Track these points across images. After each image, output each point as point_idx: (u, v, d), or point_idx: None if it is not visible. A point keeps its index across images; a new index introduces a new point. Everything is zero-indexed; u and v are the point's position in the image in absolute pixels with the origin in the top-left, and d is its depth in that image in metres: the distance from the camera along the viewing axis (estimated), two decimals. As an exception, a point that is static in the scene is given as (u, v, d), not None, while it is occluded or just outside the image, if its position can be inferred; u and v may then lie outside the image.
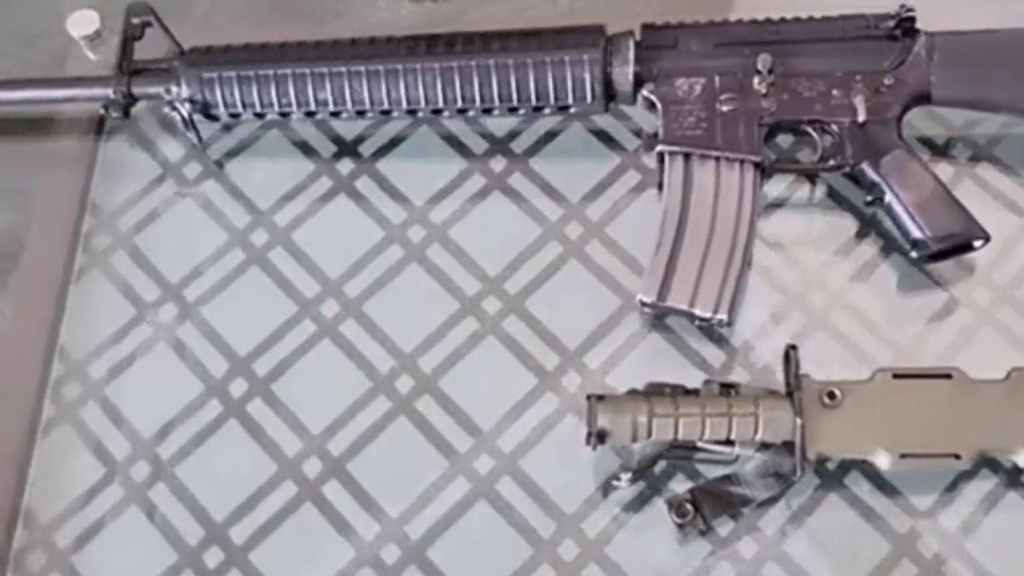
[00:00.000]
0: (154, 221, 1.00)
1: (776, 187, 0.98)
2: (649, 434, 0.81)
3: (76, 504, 0.89)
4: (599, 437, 0.80)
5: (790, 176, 0.98)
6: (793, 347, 0.83)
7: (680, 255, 0.89)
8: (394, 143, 1.02)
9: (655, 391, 0.84)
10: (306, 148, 1.02)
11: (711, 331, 0.93)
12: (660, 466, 0.87)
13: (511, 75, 0.92)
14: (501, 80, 0.93)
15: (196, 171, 1.01)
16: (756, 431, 0.81)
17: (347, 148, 1.01)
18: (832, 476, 0.87)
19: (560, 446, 0.90)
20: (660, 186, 0.96)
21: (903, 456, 0.81)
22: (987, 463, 0.85)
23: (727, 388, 0.84)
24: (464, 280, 0.96)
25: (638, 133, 1.01)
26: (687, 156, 0.92)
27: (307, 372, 0.93)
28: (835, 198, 0.98)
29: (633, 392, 0.84)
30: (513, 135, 1.01)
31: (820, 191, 0.98)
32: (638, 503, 0.87)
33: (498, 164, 1.00)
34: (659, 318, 0.93)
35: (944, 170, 0.95)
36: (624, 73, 0.93)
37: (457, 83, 0.93)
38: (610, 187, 0.99)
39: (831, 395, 0.82)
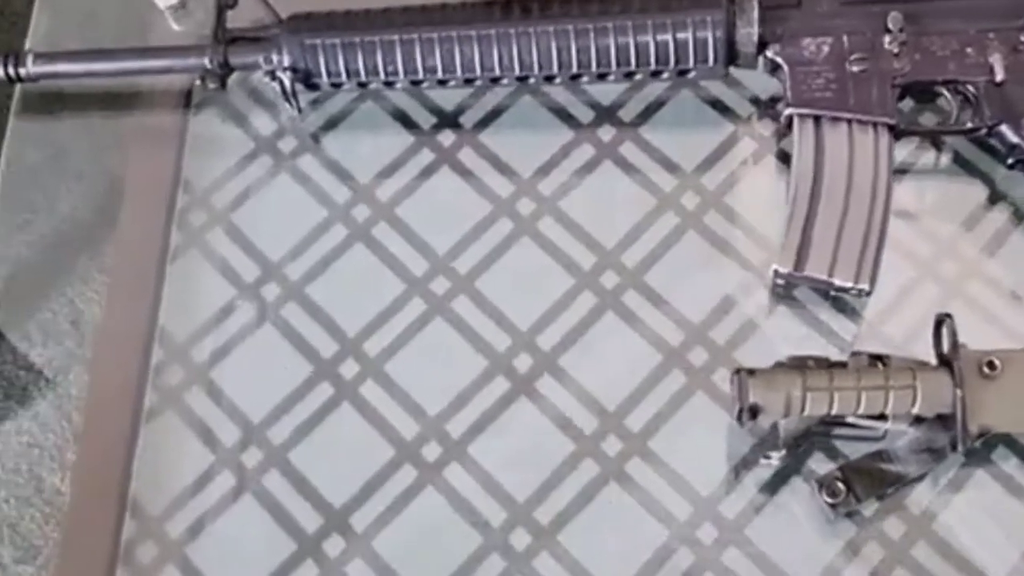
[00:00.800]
0: (250, 198, 0.95)
1: (899, 153, 0.94)
2: (803, 409, 0.77)
3: (186, 493, 0.84)
4: (751, 412, 0.76)
5: (912, 142, 0.94)
6: (948, 315, 0.78)
7: (816, 223, 0.85)
8: (495, 113, 0.97)
9: (800, 364, 0.80)
10: (405, 119, 0.97)
11: (841, 303, 0.88)
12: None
13: (630, 37, 0.88)
14: (620, 43, 0.88)
15: (291, 145, 0.97)
16: (914, 404, 0.77)
17: (447, 119, 0.97)
18: (978, 452, 0.83)
19: (690, 425, 0.86)
20: (779, 154, 0.93)
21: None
22: None
23: (876, 360, 0.80)
24: (580, 254, 0.92)
25: (752, 100, 0.96)
26: (817, 119, 0.87)
27: (420, 352, 0.89)
28: (961, 163, 0.93)
29: (780, 365, 0.80)
30: (620, 104, 0.97)
31: (946, 157, 0.94)
32: (776, 483, 0.83)
33: (607, 134, 0.96)
34: (787, 290, 0.89)
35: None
36: (748, 35, 0.88)
37: (573, 47, 0.88)
38: (725, 156, 0.95)
39: (991, 365, 0.78)
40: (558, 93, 0.97)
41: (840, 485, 0.78)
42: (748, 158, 0.95)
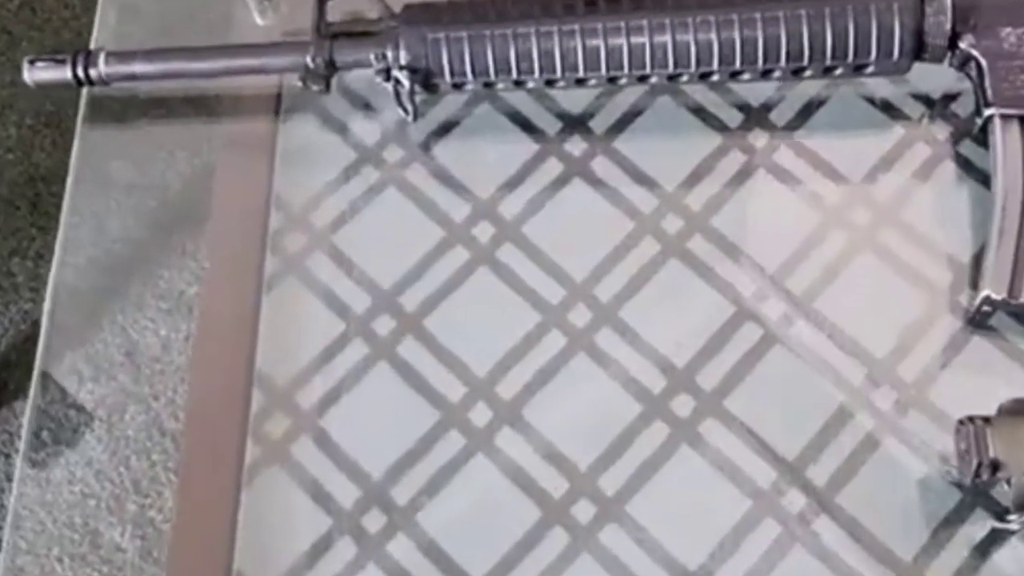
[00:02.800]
0: (355, 216, 0.82)
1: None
2: (1046, 469, 0.65)
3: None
4: (992, 469, 0.64)
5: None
6: None
7: (1030, 240, 0.73)
8: (629, 117, 0.85)
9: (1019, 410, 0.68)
10: (527, 125, 0.85)
11: None
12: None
13: (803, 27, 0.76)
14: (792, 34, 0.76)
15: (397, 155, 0.84)
16: None
17: (575, 124, 0.85)
18: None
19: (881, 477, 0.74)
20: (958, 159, 0.81)
21: None
22: None
23: (1117, 403, 0.68)
24: (736, 277, 0.80)
25: (923, 99, 0.84)
26: (1022, 120, 0.75)
27: (563, 396, 0.76)
28: None
29: (1003, 411, 0.68)
30: (771, 105, 0.85)
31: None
32: (988, 543, 0.71)
33: (759, 139, 0.84)
34: (982, 319, 0.77)
35: None
36: (939, 24, 0.76)
37: (737, 39, 0.76)
38: (896, 163, 0.83)
39: None
40: (700, 93, 0.85)
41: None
42: (921, 166, 0.82)
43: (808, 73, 0.79)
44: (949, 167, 0.83)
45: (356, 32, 0.79)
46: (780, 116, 0.85)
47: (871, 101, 0.85)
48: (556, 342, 0.78)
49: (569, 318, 0.79)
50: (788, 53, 0.77)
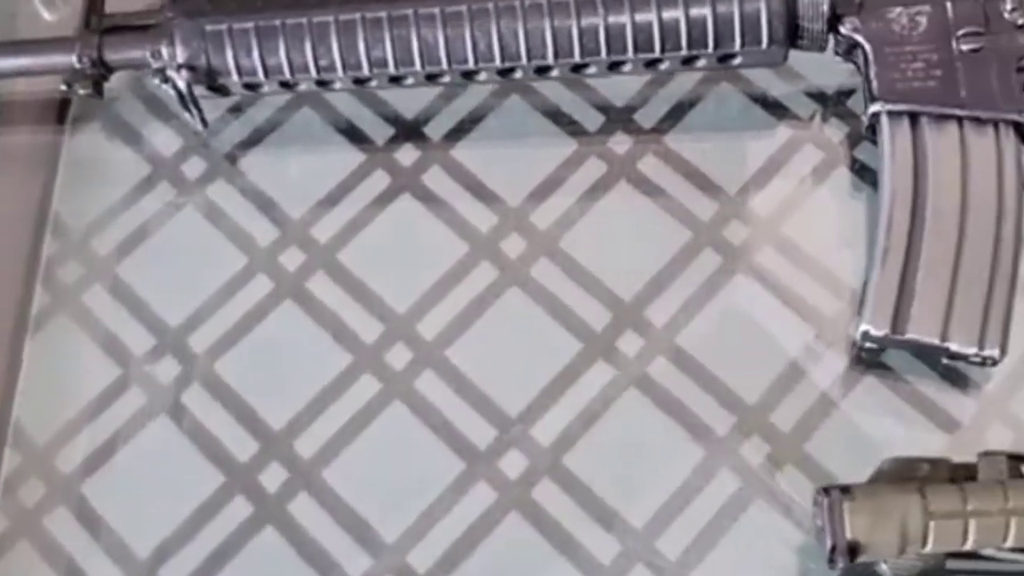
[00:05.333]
0: (144, 241, 0.71)
1: (1015, 161, 0.69)
2: (924, 544, 0.52)
3: None
4: (850, 553, 0.51)
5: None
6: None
7: (919, 265, 0.61)
8: (472, 121, 0.73)
9: (908, 472, 0.55)
10: (352, 132, 0.72)
11: (951, 372, 0.64)
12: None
13: (653, 11, 0.63)
14: (638, 20, 0.64)
15: (199, 169, 0.72)
16: (1087, 532, 0.52)
17: (408, 130, 0.72)
18: None
19: (745, 548, 0.61)
20: (853, 165, 0.68)
21: None
22: None
23: (1018, 462, 0.55)
24: (587, 310, 0.67)
25: (816, 95, 0.71)
26: (915, 118, 0.63)
27: (370, 450, 0.64)
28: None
29: (880, 476, 0.55)
30: (638, 104, 0.72)
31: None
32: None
33: (621, 144, 0.72)
34: (874, 355, 0.64)
35: None
36: (815, 5, 0.64)
37: (574, 26, 0.64)
38: (781, 170, 0.71)
39: None
40: (555, 91, 0.73)
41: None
42: (811, 173, 0.70)
43: (665, 65, 0.66)
44: (843, 174, 0.70)
45: (134, 26, 0.67)
46: (647, 117, 0.72)
47: (754, 99, 0.72)
48: (369, 387, 0.66)
49: (387, 360, 0.67)
50: (636, 42, 0.64)
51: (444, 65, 0.65)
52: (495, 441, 0.64)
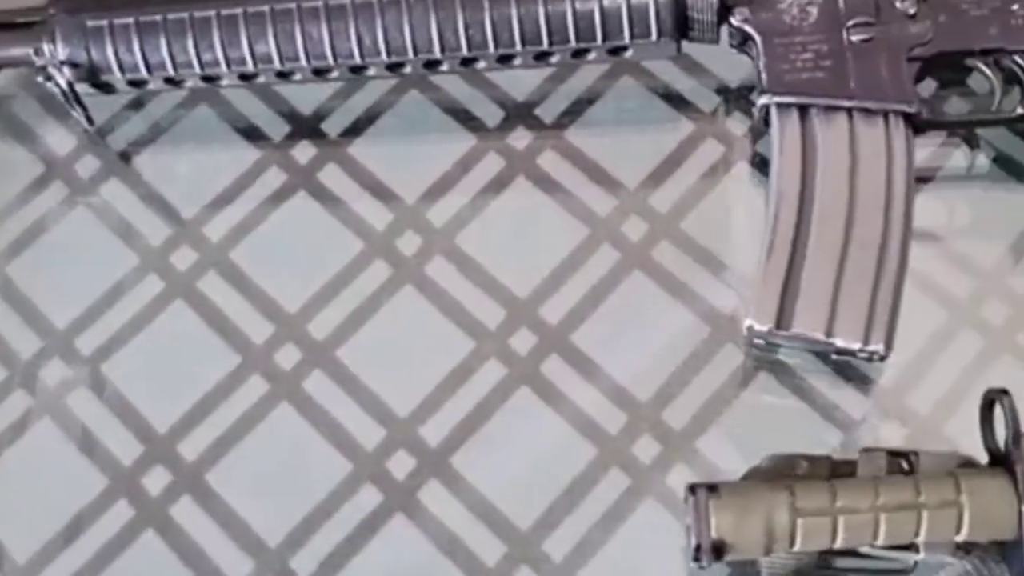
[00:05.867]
0: (35, 241, 0.69)
1: (918, 154, 0.68)
2: (792, 543, 0.51)
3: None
4: (715, 552, 0.50)
5: (937, 138, 0.68)
6: (1003, 392, 0.53)
7: (805, 259, 0.59)
8: (370, 117, 0.71)
9: (787, 469, 0.54)
10: (248, 130, 0.71)
11: (846, 368, 0.63)
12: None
13: (539, 3, 0.63)
14: (524, 12, 0.63)
15: (92, 168, 0.71)
16: (959, 528, 0.51)
17: (305, 127, 0.71)
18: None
19: (632, 553, 0.60)
20: (754, 159, 0.67)
21: None
22: None
23: (898, 458, 0.54)
24: (481, 308, 0.66)
25: (719, 90, 0.70)
26: (804, 110, 0.62)
27: (257, 452, 0.63)
28: (1005, 165, 0.68)
29: (755, 474, 0.54)
30: (538, 100, 0.71)
31: (985, 157, 0.68)
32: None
33: (520, 140, 0.71)
34: (768, 351, 0.63)
35: None
36: (704, -6, 0.63)
37: (460, 18, 0.63)
38: (682, 165, 0.70)
39: (1072, 466, 0.51)
40: (457, 87, 0.72)
41: (850, 649, 0.52)
42: (711, 168, 0.69)
43: (555, 59, 0.65)
44: (744, 168, 0.69)
45: (16, 23, 0.66)
46: (548, 112, 0.71)
47: (657, 93, 0.71)
48: (257, 388, 0.65)
49: (276, 360, 0.65)
50: (523, 34, 0.63)
51: (330, 60, 0.64)
52: (383, 441, 0.63)
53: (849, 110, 0.62)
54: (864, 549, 0.53)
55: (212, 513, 0.62)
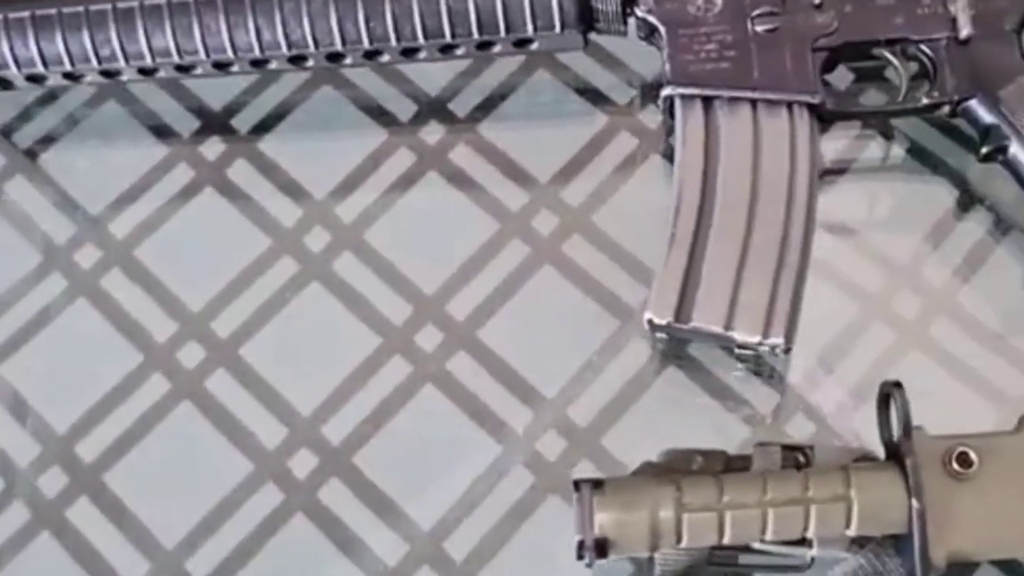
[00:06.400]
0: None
1: (832, 146, 0.68)
2: (678, 539, 0.50)
3: None
4: (598, 549, 0.49)
5: (851, 130, 0.67)
6: (896, 384, 0.52)
7: (706, 251, 0.59)
8: (282, 113, 0.71)
9: (682, 464, 0.53)
10: (157, 127, 0.70)
11: (757, 362, 0.62)
12: None
13: (439, -4, 0.62)
14: (425, 3, 0.62)
15: (-4, 166, 0.70)
16: (849, 523, 0.50)
17: (215, 123, 0.70)
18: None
19: (536, 551, 0.59)
20: (667, 152, 0.66)
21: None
22: None
23: (793, 452, 0.53)
24: (389, 304, 0.65)
25: (634, 83, 0.70)
26: (708, 101, 0.61)
27: (157, 451, 0.62)
28: (919, 156, 0.67)
29: (648, 469, 0.53)
30: (452, 94, 0.70)
31: (899, 148, 0.67)
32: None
33: (433, 134, 0.70)
34: (677, 346, 0.62)
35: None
36: (607, -15, 0.62)
37: (360, 11, 0.62)
38: (595, 159, 0.69)
39: (963, 460, 0.51)
40: (370, 82, 0.71)
41: (744, 647, 0.51)
42: (624, 161, 0.68)
43: (461, 51, 0.64)
44: (656, 162, 0.68)
45: None
46: (462, 106, 0.71)
47: (572, 86, 0.71)
48: (159, 386, 0.64)
49: (180, 358, 0.65)
50: (425, 26, 0.62)
51: (230, 54, 0.63)
52: (285, 440, 0.62)
53: (753, 101, 0.61)
54: (758, 545, 0.52)
55: (109, 513, 0.61)
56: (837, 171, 0.67)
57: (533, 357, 0.64)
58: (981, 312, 0.64)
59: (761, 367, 0.62)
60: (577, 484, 0.51)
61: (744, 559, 0.54)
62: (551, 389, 0.63)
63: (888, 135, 0.68)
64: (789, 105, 0.61)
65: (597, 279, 0.65)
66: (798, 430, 0.61)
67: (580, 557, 0.50)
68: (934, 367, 0.63)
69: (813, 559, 0.54)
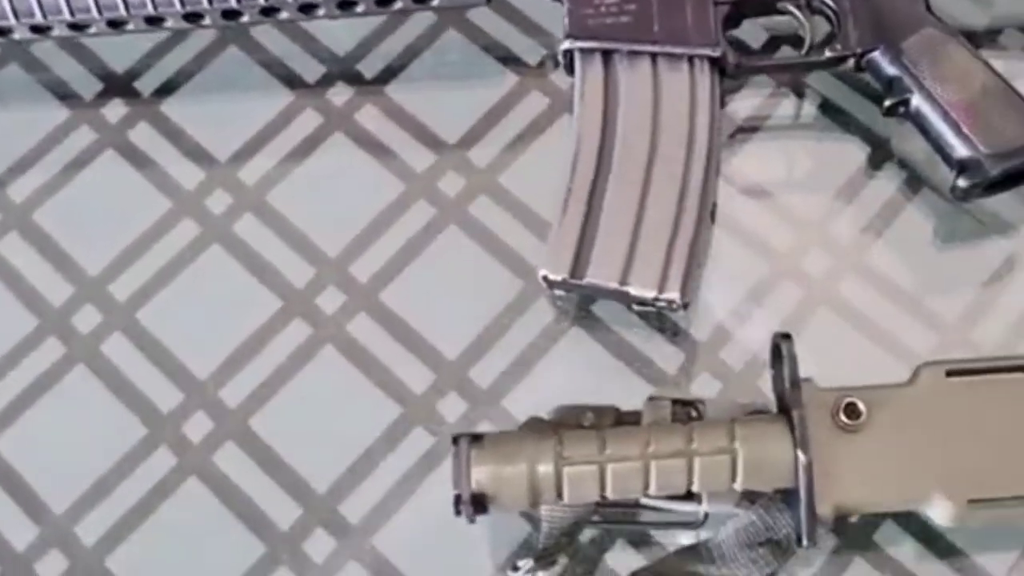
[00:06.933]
0: None
1: (745, 104, 0.67)
2: (559, 493, 0.49)
3: None
4: (475, 504, 0.48)
5: (765, 88, 0.66)
6: (785, 336, 0.51)
7: (603, 207, 0.58)
8: (186, 74, 0.69)
9: (572, 421, 0.52)
10: (59, 88, 0.69)
11: (661, 320, 0.61)
12: (590, 534, 0.56)
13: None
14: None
15: None
16: (734, 476, 0.49)
17: (118, 85, 0.69)
18: (858, 533, 0.56)
19: (439, 512, 0.58)
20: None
21: (973, 503, 0.49)
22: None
23: (686, 407, 0.52)
24: (291, 266, 0.64)
25: (545, 43, 0.69)
26: (608, 56, 0.60)
27: (47, 418, 0.61)
28: (831, 114, 0.66)
29: (534, 424, 0.52)
30: (360, 54, 0.69)
31: (810, 105, 0.66)
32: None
33: (340, 96, 0.68)
34: (582, 305, 0.61)
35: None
36: (503, -63, 0.61)
37: (251, -37, 0.61)
38: (503, 119, 0.68)
39: (851, 410, 0.50)
40: (276, 43, 0.70)
41: (634, 604, 0.51)
42: (534, 121, 0.67)
43: (360, 8, 0.63)
44: (566, 122, 0.67)
45: None
46: (370, 67, 0.69)
47: (482, 46, 0.70)
48: (53, 351, 0.63)
49: (74, 323, 0.63)
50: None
51: (122, 11, 0.62)
52: (181, 404, 0.61)
53: (653, 55, 0.60)
54: (646, 501, 0.51)
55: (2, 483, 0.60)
56: (750, 129, 0.66)
57: (436, 319, 0.63)
58: (890, 269, 0.63)
59: (664, 324, 0.61)
60: (456, 439, 0.50)
61: (636, 516, 0.53)
62: (453, 350, 0.62)
63: (800, 93, 0.67)
64: (690, 59, 0.60)
65: (503, 240, 0.64)
66: (705, 389, 0.60)
67: (458, 512, 0.49)
68: (843, 324, 0.62)
69: (706, 515, 0.53)
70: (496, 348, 0.62)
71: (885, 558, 0.56)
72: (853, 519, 0.56)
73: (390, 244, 0.65)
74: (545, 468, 0.49)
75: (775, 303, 0.62)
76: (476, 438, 0.49)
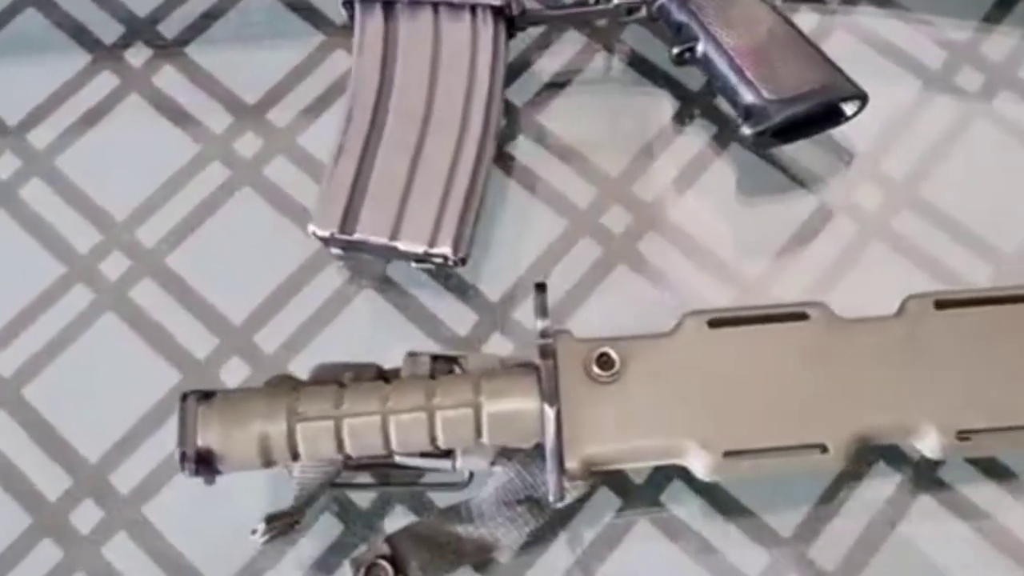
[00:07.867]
0: None
1: (555, 61, 0.65)
2: (293, 453, 0.47)
3: None
4: (201, 461, 0.46)
5: (576, 44, 0.65)
6: (539, 286, 0.49)
7: (376, 162, 0.55)
8: (-16, 39, 0.67)
9: (328, 378, 0.50)
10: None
11: (455, 281, 0.59)
12: (367, 497, 0.54)
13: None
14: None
15: None
16: (479, 431, 0.47)
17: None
18: (641, 493, 0.54)
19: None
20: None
21: (729, 455, 0.47)
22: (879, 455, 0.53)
23: (448, 363, 0.50)
24: (76, 231, 0.62)
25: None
26: (389, 6, 0.58)
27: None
28: (640, 69, 0.64)
29: (277, 382, 0.50)
30: (162, 15, 0.67)
31: (619, 60, 0.64)
32: (323, 566, 0.53)
33: (138, 57, 0.66)
34: (371, 267, 0.60)
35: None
36: None
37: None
38: (305, 79, 0.66)
39: (604, 361, 0.48)
40: (72, 4, 0.67)
41: (387, 567, 0.48)
42: (335, 81, 0.65)
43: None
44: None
45: None
46: (170, 28, 0.67)
47: (288, 5, 0.68)
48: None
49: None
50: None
51: None
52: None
53: (435, 5, 0.58)
54: (400, 459, 0.49)
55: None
56: (558, 85, 0.65)
57: (225, 283, 0.61)
58: (695, 225, 0.61)
59: (457, 285, 0.59)
60: (184, 396, 0.47)
61: (397, 476, 0.51)
62: (240, 314, 0.60)
63: (610, 47, 0.65)
64: (472, 8, 0.58)
65: (299, 201, 0.62)
66: (496, 348, 0.59)
67: (184, 470, 0.47)
68: (642, 282, 0.60)
69: (472, 475, 0.51)
70: (285, 311, 0.60)
71: (670, 517, 0.54)
72: (635, 477, 0.54)
73: (180, 207, 0.62)
74: (277, 426, 0.46)
75: (573, 261, 0.60)
76: (207, 395, 0.47)
